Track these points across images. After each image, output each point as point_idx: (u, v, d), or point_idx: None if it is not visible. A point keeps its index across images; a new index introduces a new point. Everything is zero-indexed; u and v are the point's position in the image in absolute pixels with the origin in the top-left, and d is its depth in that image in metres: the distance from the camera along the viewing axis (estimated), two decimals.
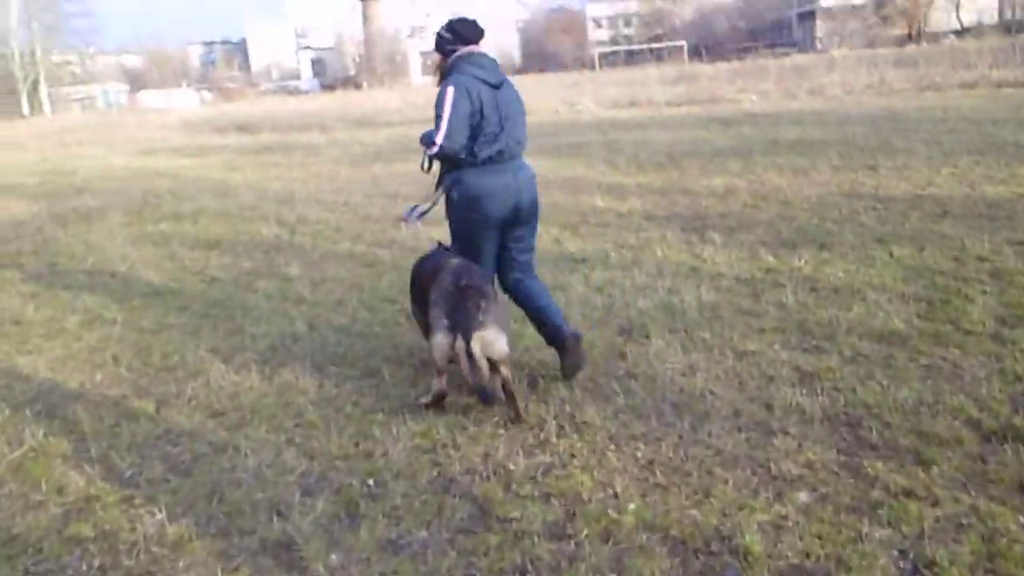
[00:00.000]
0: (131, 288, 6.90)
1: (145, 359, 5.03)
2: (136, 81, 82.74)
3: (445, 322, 3.73)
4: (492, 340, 3.69)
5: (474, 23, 4.28)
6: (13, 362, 5.18)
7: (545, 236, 7.74)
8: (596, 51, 52.72)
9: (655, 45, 53.18)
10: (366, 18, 71.15)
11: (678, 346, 4.54)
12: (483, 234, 4.18)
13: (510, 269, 4.33)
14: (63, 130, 30.62)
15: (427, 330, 3.96)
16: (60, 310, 6.35)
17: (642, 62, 40.84)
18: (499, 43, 74.34)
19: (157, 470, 3.53)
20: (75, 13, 65.72)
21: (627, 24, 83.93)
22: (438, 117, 3.98)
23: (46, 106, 54.86)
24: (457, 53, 4.18)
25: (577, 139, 15.63)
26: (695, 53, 48.46)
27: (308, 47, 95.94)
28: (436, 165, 4.22)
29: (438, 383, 3.88)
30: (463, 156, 4.04)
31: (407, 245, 7.75)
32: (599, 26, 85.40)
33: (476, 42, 4.23)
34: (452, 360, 3.74)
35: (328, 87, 66.67)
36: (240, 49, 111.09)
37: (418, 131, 4.44)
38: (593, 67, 45.70)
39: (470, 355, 3.62)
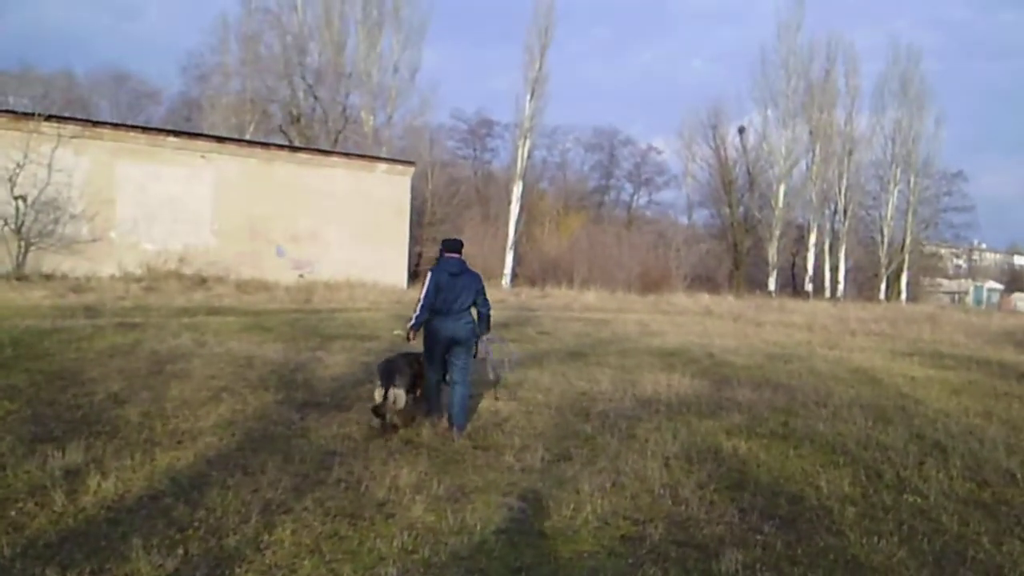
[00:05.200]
0: None
1: None
2: (1015, 282, 78.01)
3: (379, 381, 7.64)
4: (396, 395, 7.52)
5: (455, 240, 8.21)
6: None
7: None
8: None
9: None
10: None
11: None
12: (432, 348, 7.93)
13: (449, 373, 8.02)
14: (878, 318, 29.65)
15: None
16: None
17: None
18: None
19: None
20: (955, 207, 64.92)
21: None
22: (421, 296, 7.79)
23: (903, 294, 54.97)
24: (442, 257, 8.02)
25: None
26: None
27: None
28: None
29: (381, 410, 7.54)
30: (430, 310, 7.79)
31: None
32: None
33: (454, 251, 8.03)
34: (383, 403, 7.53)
35: None
36: None
37: None
38: None
39: (385, 397, 7.49)
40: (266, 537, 4.81)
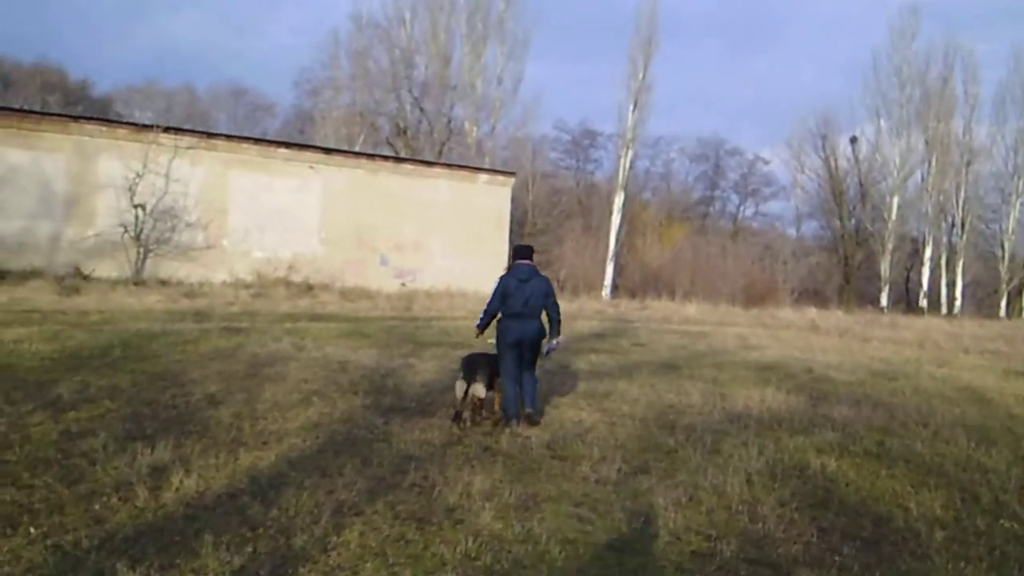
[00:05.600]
0: None
1: None
2: None
3: (461, 375, 8.40)
4: (476, 389, 8.29)
5: (526, 247, 8.98)
6: None
7: None
8: None
9: None
10: None
11: None
12: (504, 348, 8.42)
13: (521, 369, 8.50)
14: (995, 336, 28.16)
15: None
16: None
17: None
18: None
19: None
20: None
21: None
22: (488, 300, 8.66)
23: None
24: (513, 263, 8.83)
25: None
26: None
27: None
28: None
29: (458, 406, 8.38)
30: (500, 313, 8.55)
31: None
32: None
33: (524, 258, 8.72)
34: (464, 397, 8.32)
35: None
36: None
37: None
38: None
39: (466, 394, 8.33)
40: (334, 538, 4.91)
